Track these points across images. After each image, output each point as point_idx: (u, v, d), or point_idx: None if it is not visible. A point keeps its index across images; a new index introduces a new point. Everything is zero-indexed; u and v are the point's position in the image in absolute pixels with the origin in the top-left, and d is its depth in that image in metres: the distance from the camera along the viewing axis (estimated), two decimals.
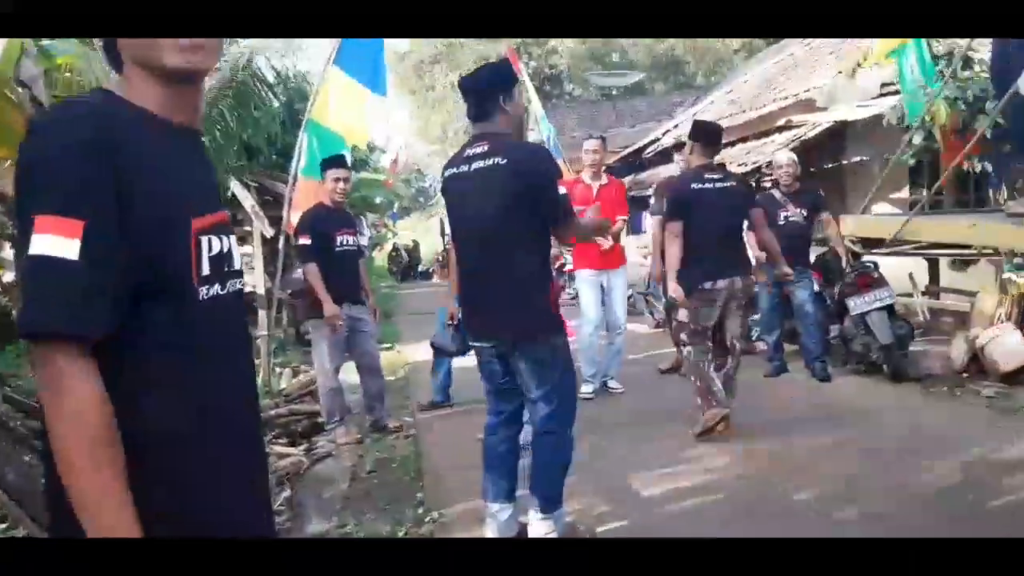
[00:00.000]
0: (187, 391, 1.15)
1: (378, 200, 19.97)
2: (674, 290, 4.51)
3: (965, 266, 7.63)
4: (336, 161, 5.14)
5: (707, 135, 4.84)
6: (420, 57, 31.66)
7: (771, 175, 8.20)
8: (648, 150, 13.49)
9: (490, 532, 3.12)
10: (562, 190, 2.90)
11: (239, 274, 1.28)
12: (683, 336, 4.78)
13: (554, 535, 2.97)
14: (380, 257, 23.87)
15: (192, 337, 1.16)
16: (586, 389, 5.49)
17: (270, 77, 10.04)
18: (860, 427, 4.55)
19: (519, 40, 22.95)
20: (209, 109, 9.17)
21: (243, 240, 14.81)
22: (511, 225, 2.85)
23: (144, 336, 1.11)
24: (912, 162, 5.91)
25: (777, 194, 6.18)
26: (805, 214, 6.03)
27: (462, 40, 28.38)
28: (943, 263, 7.87)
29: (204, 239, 1.18)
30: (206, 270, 1.18)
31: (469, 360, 4.95)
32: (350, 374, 5.31)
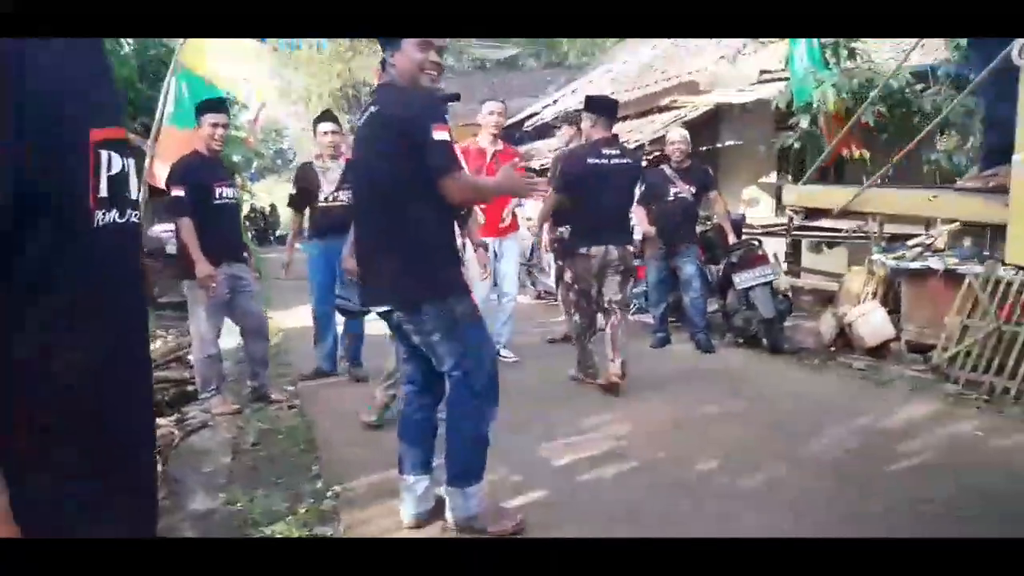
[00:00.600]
0: (76, 332, 0.98)
1: (236, 158, 18.77)
2: (547, 241, 5.25)
3: (821, 249, 8.17)
4: (215, 105, 4.64)
5: (605, 108, 5.01)
6: None
7: (654, 152, 8.41)
8: (527, 124, 13.47)
9: (406, 505, 2.92)
10: (441, 136, 2.53)
11: (136, 205, 1.10)
12: (570, 296, 5.02)
13: (471, 511, 2.80)
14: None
15: (83, 271, 0.98)
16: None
17: None
18: (750, 397, 4.70)
19: None
20: None
21: None
22: (392, 178, 2.60)
23: (26, 267, 0.92)
24: (797, 145, 6.18)
25: (667, 170, 6.28)
26: (694, 191, 6.17)
27: None
28: (804, 245, 8.39)
29: (104, 153, 1.01)
30: (104, 191, 1.00)
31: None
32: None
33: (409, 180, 2.58)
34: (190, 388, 4.83)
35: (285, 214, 23.09)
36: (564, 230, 5.97)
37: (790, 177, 9.39)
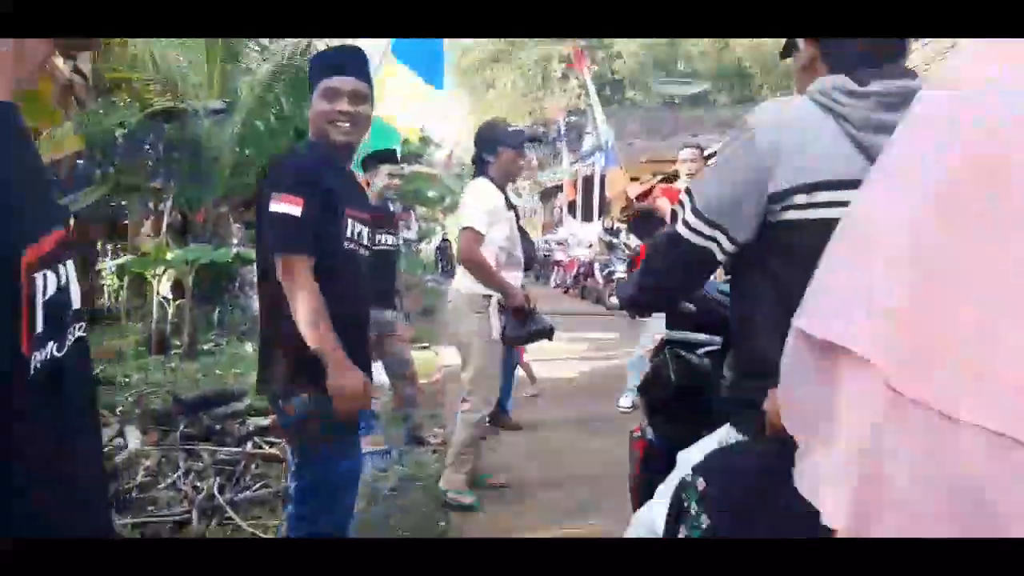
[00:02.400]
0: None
1: (431, 193, 19.92)
2: None
3: None
4: (389, 156, 4.87)
5: None
6: (480, 55, 31.53)
7: None
8: (711, 162, 13.00)
9: None
10: (283, 208, 2.14)
11: (80, 317, 0.86)
12: None
13: None
14: (429, 250, 23.59)
15: (18, 441, 0.75)
16: (624, 403, 5.72)
17: None
18: None
19: (584, 41, 22.59)
20: (264, 93, 9.11)
21: None
22: (262, 252, 2.36)
23: None
24: None
25: None
26: None
27: (524, 39, 28.24)
28: None
29: (38, 277, 0.77)
30: (40, 325, 0.77)
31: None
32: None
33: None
34: None
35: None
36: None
37: None
